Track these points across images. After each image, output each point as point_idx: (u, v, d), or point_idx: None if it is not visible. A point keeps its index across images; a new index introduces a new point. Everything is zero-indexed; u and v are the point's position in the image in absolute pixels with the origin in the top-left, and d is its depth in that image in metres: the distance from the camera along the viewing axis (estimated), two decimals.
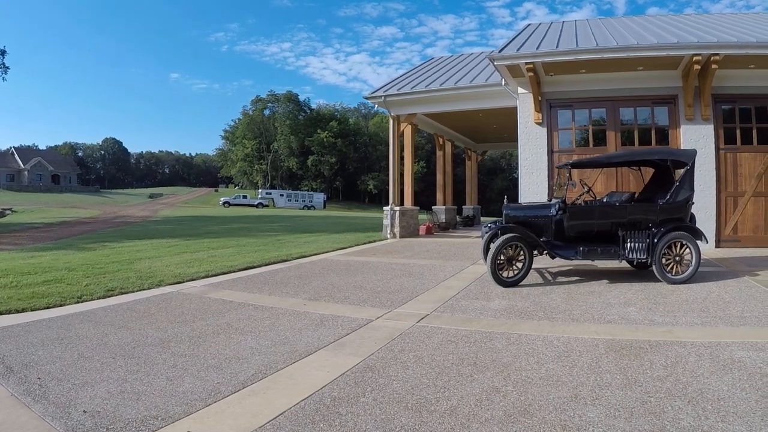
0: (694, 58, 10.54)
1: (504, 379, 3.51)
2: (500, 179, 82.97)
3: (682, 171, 7.48)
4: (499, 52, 11.49)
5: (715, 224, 11.57)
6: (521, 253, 7.15)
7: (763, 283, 7.01)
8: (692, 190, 7.48)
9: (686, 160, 7.48)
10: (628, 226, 7.30)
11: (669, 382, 3.39)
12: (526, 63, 11.24)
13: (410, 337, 4.58)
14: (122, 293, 6.64)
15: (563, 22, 16.72)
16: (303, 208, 62.62)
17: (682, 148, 11.43)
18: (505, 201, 7.91)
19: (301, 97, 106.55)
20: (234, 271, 8.53)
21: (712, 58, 10.51)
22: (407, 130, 16.36)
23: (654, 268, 7.17)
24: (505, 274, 7.08)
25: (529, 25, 16.43)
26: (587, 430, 2.73)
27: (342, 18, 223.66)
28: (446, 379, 3.50)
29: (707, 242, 7.78)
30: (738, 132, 11.91)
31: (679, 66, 11.45)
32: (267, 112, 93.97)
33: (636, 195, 8.69)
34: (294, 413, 2.95)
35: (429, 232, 16.77)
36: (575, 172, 10.72)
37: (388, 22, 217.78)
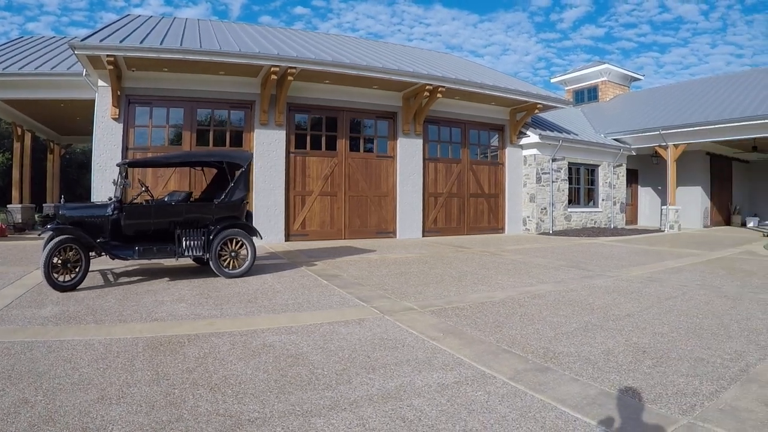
0: (272, 69, 12.20)
1: (35, 389, 3.49)
2: None
3: (238, 172, 8.50)
4: (82, 40, 10.85)
5: (285, 220, 13.71)
6: (78, 255, 6.98)
7: (316, 272, 8.63)
8: (247, 190, 8.64)
9: (242, 162, 8.55)
10: (186, 224, 7.96)
11: (197, 373, 3.87)
12: (108, 55, 10.95)
13: None
14: None
15: (162, 17, 16.88)
16: None
17: (255, 150, 13.10)
18: (61, 200, 7.64)
19: None
20: None
21: (289, 71, 12.38)
22: None
23: (211, 264, 8.03)
24: (61, 278, 6.82)
25: (128, 15, 16.11)
26: (107, 429, 2.94)
27: None
28: None
29: (262, 238, 9.20)
30: (309, 138, 14.43)
31: (259, 74, 13.04)
32: None
33: (196, 194, 9.48)
34: None
35: (2, 235, 15.02)
36: (149, 171, 10.94)
37: None
